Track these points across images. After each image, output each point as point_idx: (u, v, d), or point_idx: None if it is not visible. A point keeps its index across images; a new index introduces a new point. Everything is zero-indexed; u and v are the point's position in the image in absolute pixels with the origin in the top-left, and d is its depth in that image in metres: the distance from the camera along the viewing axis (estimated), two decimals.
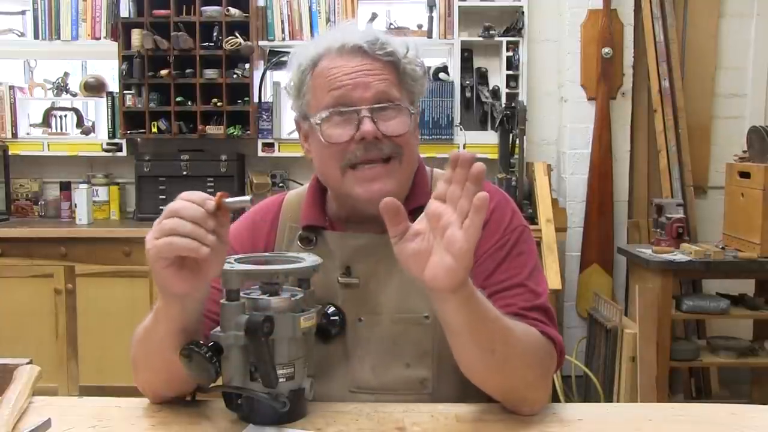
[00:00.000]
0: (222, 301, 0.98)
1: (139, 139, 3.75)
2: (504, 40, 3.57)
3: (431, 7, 3.58)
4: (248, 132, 3.57)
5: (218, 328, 0.99)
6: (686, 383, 3.43)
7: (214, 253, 0.91)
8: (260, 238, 1.22)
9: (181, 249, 0.89)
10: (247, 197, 0.96)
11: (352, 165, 1.11)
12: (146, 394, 1.11)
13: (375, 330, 1.14)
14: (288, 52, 3.61)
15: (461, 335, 0.97)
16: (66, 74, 3.84)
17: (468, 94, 3.64)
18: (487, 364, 0.99)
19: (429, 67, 3.65)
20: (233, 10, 3.50)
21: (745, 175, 2.97)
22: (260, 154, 3.67)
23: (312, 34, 3.60)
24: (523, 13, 3.55)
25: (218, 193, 0.94)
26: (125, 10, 3.54)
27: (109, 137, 3.69)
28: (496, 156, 3.55)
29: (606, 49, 3.47)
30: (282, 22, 3.63)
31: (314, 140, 1.15)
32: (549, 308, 1.12)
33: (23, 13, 3.80)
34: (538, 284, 1.13)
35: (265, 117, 3.66)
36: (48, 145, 3.73)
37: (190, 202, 0.92)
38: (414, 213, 1.17)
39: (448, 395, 1.11)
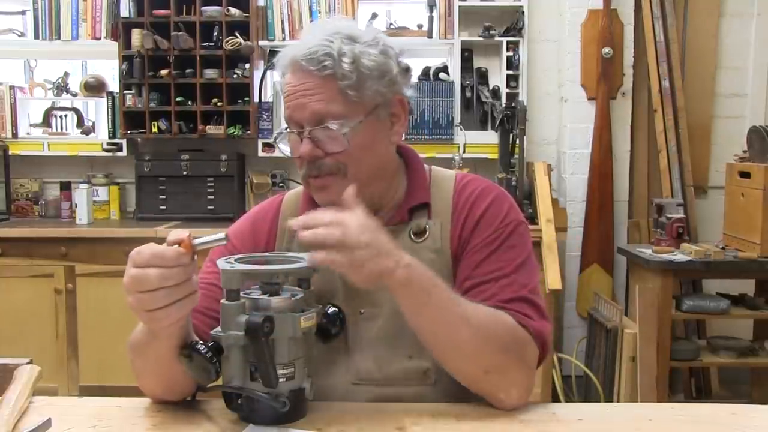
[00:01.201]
0: (222, 301, 0.98)
1: (139, 139, 3.75)
2: (504, 40, 3.57)
3: (431, 6, 3.58)
4: (248, 132, 3.57)
5: (218, 328, 0.99)
6: (686, 383, 3.43)
7: (184, 303, 0.93)
8: (261, 237, 1.23)
9: (179, 313, 0.92)
10: (220, 234, 0.94)
11: (304, 179, 1.16)
12: (148, 396, 1.11)
13: (376, 322, 1.15)
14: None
15: (408, 319, 1.04)
16: (66, 74, 3.84)
17: (468, 94, 3.64)
18: (436, 349, 1.05)
19: (429, 67, 3.65)
20: (233, 10, 3.50)
21: (745, 175, 2.97)
22: (260, 153, 3.67)
23: None
24: (523, 13, 3.55)
25: (185, 238, 0.91)
26: (125, 10, 3.54)
27: (109, 137, 3.69)
28: (496, 156, 3.55)
29: (606, 49, 3.47)
30: (282, 22, 3.63)
31: None
32: (534, 300, 1.13)
33: (23, 13, 3.79)
34: (525, 277, 1.14)
35: (265, 117, 3.66)
36: (48, 145, 3.73)
37: (164, 267, 0.89)
38: (413, 211, 1.19)
39: (451, 386, 1.12)
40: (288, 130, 1.15)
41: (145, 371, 1.06)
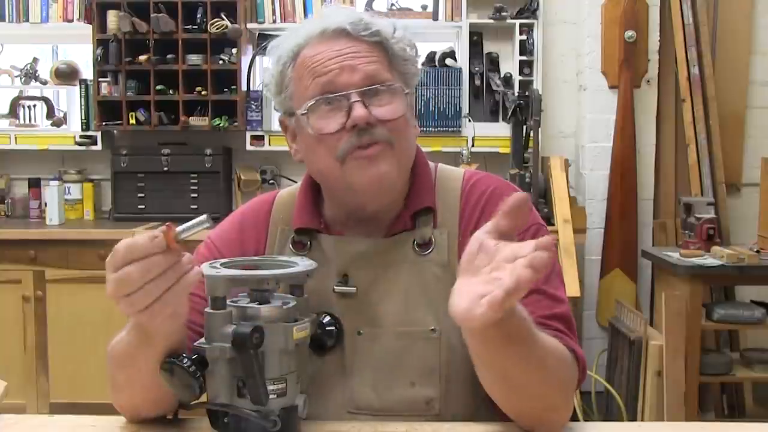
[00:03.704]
0: (207, 309, 0.98)
1: (115, 132, 3.76)
2: (517, 22, 3.57)
3: None
4: (236, 123, 3.58)
5: (202, 339, 0.99)
6: (717, 400, 3.43)
7: (181, 287, 0.91)
8: (250, 242, 1.21)
9: (177, 298, 0.91)
10: (201, 217, 0.92)
11: (348, 154, 1.10)
12: (124, 414, 1.10)
13: (376, 344, 1.13)
14: (279, 36, 3.61)
15: (475, 359, 0.99)
16: (35, 60, 3.84)
17: (477, 82, 3.65)
18: (501, 388, 1.01)
19: (434, 53, 3.65)
20: None
21: None
22: (249, 147, 3.67)
23: (306, 16, 3.60)
24: None
25: (164, 228, 0.89)
26: None
27: (82, 129, 3.70)
28: (508, 150, 3.55)
29: (629, 32, 3.47)
30: (272, 2, 3.63)
31: (304, 136, 1.16)
32: (570, 318, 1.12)
33: None
34: (557, 289, 1.13)
35: (254, 107, 3.66)
36: (15, 138, 3.74)
37: (143, 258, 0.88)
38: (417, 216, 1.17)
39: (457, 417, 1.11)
40: (325, 97, 1.11)
41: (128, 385, 1.05)
